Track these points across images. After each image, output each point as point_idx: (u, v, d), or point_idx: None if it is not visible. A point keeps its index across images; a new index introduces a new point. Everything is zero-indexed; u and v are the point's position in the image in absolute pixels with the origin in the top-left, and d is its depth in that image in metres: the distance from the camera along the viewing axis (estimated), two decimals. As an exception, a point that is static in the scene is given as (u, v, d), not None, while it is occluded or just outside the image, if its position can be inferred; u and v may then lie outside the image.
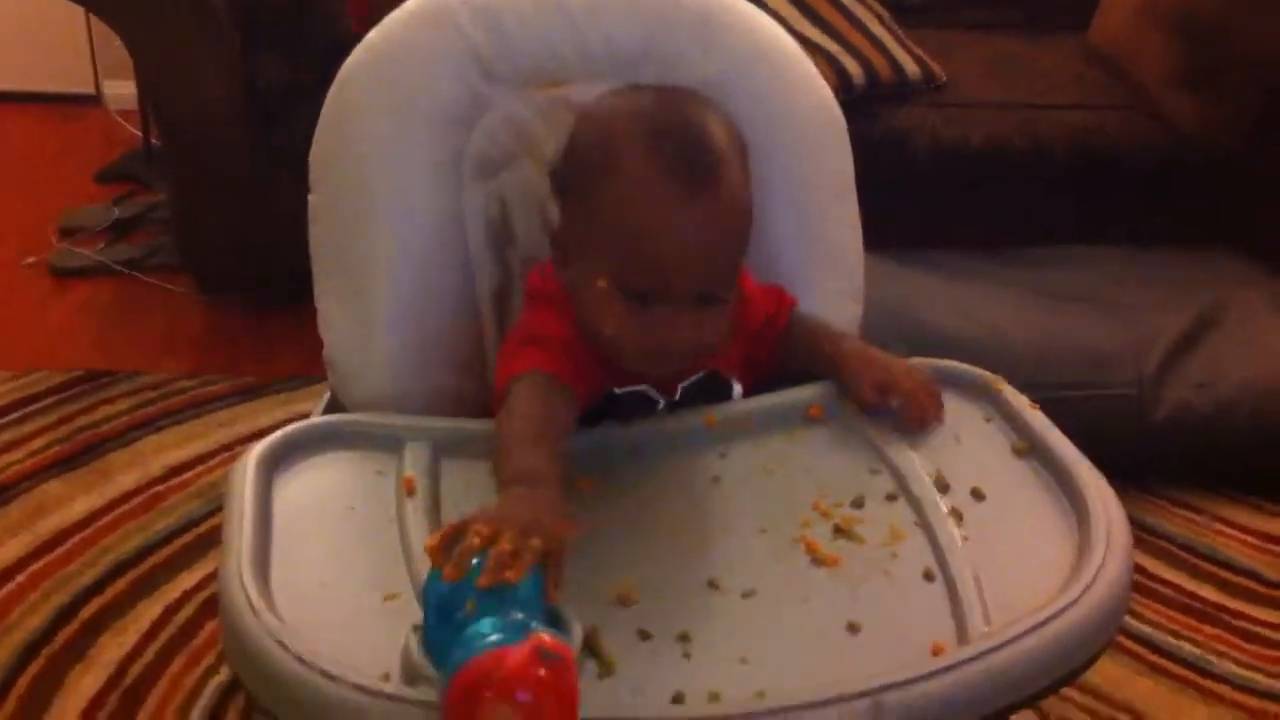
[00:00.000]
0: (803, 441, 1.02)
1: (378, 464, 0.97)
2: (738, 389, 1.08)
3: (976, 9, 2.68)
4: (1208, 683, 1.57)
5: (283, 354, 2.29)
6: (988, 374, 1.07)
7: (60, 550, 1.75)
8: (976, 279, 2.09)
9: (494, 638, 0.67)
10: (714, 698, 0.75)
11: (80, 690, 1.51)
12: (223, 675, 1.52)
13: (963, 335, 1.90)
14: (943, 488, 0.95)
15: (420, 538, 0.86)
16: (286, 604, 0.80)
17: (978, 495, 0.94)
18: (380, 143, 1.11)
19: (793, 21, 2.20)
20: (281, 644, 0.75)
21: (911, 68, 2.26)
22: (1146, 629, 1.65)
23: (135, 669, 1.55)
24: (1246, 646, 1.64)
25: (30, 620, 1.62)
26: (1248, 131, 2.17)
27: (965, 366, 1.08)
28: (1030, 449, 0.98)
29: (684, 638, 0.80)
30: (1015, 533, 0.91)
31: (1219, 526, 1.86)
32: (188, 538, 1.78)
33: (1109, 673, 1.55)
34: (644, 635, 0.80)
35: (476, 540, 0.72)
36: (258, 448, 0.95)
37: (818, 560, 0.88)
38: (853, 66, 2.19)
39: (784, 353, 1.12)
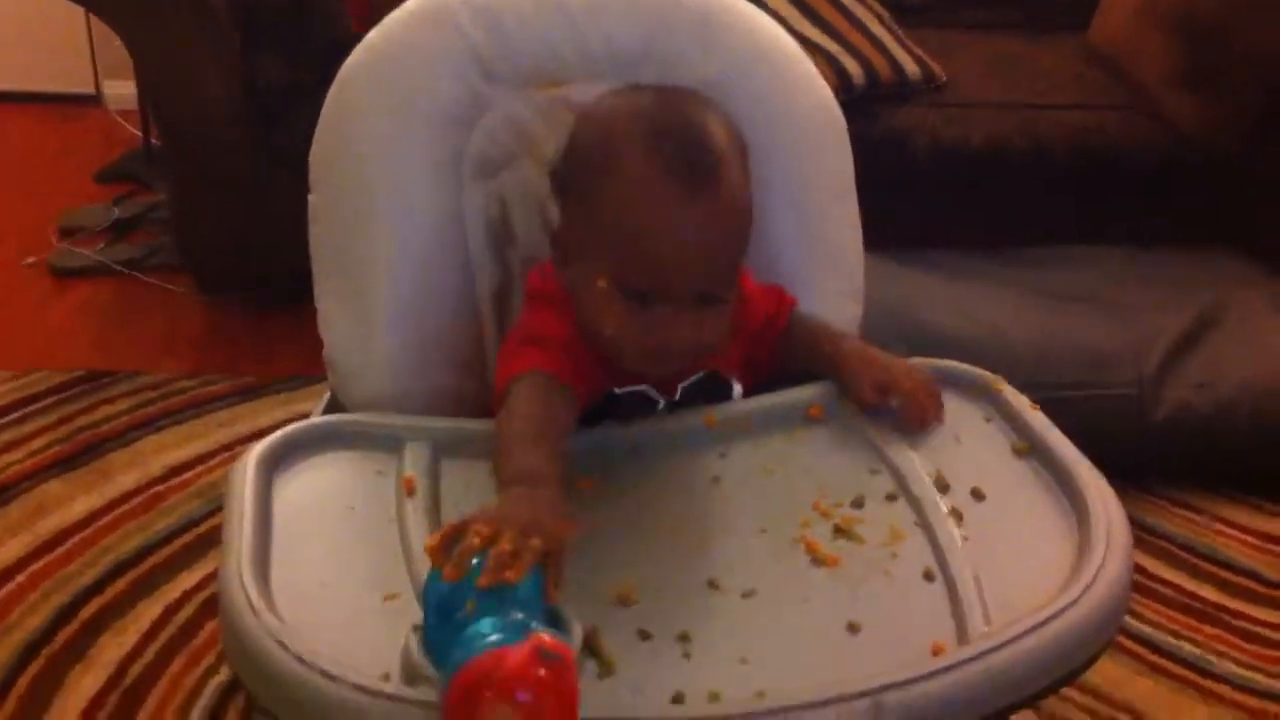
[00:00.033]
0: (803, 441, 1.01)
1: (378, 464, 0.97)
2: (738, 389, 1.08)
3: (976, 9, 2.68)
4: (1208, 683, 1.57)
5: (283, 354, 2.29)
6: (988, 374, 1.07)
7: (60, 550, 1.75)
8: (976, 279, 2.09)
9: (494, 638, 0.67)
10: (714, 698, 0.75)
11: (80, 690, 1.51)
12: (223, 675, 1.52)
13: (963, 335, 1.90)
14: (943, 488, 0.95)
15: (420, 538, 0.86)
16: (286, 604, 0.80)
17: (978, 495, 0.94)
18: (380, 143, 1.11)
19: (793, 21, 2.20)
20: (281, 644, 0.75)
21: (911, 68, 2.25)
22: (1146, 629, 1.65)
23: (135, 669, 1.55)
24: (1246, 646, 1.64)
25: (30, 620, 1.62)
26: (1248, 131, 2.17)
27: (965, 366, 1.08)
28: (1030, 449, 0.98)
29: (684, 638, 0.80)
30: (1015, 533, 0.91)
31: (1219, 526, 1.86)
32: (188, 538, 1.78)
33: (1109, 673, 1.55)
34: (644, 635, 0.80)
35: (476, 540, 0.72)
36: (258, 448, 0.95)
37: (818, 560, 0.88)
38: (853, 66, 2.19)
39: (784, 353, 1.12)
